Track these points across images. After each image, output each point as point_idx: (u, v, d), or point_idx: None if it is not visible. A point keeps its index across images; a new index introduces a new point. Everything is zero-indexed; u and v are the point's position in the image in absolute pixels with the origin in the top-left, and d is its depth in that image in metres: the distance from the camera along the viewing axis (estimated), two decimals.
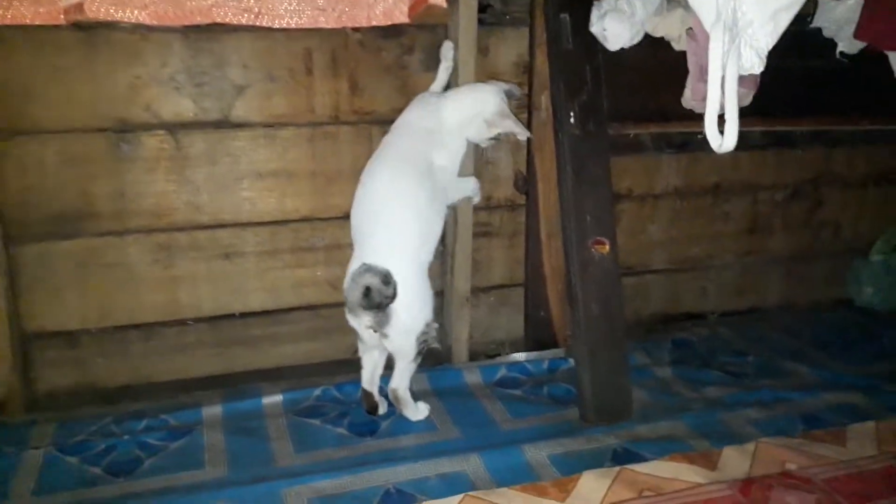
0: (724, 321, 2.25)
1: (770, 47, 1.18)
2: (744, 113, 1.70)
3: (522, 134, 1.63)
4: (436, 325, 1.98)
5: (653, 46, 1.71)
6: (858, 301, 2.37)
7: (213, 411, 1.66)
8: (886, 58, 1.74)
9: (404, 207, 1.55)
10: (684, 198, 2.16)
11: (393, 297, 1.49)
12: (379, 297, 1.48)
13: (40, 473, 1.43)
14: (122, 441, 1.54)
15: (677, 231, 2.18)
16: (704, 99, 1.23)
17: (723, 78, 1.17)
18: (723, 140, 1.21)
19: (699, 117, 1.35)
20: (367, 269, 1.49)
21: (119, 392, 1.76)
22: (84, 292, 1.70)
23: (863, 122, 1.99)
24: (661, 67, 1.72)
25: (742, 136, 2.02)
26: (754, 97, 1.71)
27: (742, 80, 1.33)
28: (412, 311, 1.53)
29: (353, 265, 1.54)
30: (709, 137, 1.25)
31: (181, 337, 1.80)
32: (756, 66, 1.16)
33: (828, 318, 2.28)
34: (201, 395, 1.73)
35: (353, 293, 1.50)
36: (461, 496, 1.36)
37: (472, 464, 1.47)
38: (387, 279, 1.48)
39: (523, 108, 1.87)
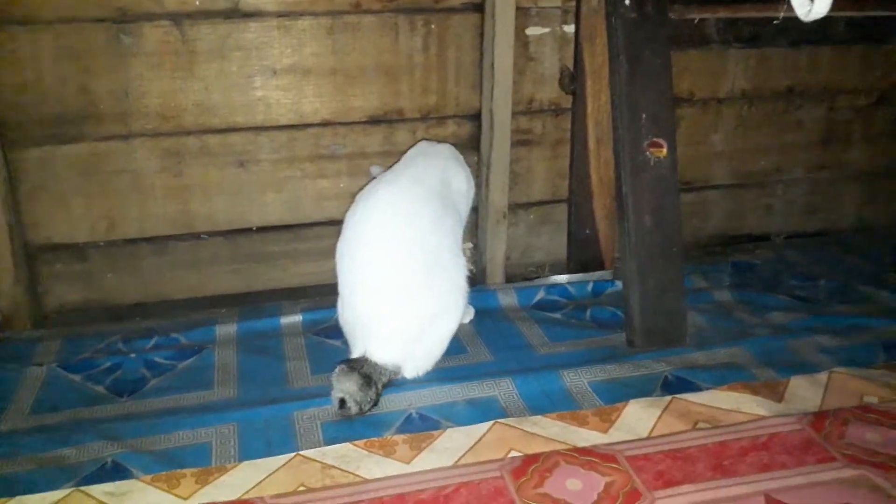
0: (791, 243, 2.04)
1: None
2: None
3: None
4: (470, 245, 1.85)
5: None
6: None
7: (227, 330, 1.55)
8: None
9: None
10: (752, 103, 1.93)
11: (376, 400, 1.26)
12: (357, 408, 1.24)
13: (40, 390, 1.34)
14: (128, 359, 1.44)
15: (743, 141, 1.96)
16: None
17: None
18: (812, 6, 0.97)
19: (774, 1, 1.12)
20: (347, 369, 1.27)
21: (131, 309, 1.67)
22: (90, 202, 1.59)
23: None
24: None
25: (821, 27, 1.76)
26: None
27: None
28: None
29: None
30: (794, 4, 1.01)
31: (195, 252, 1.68)
32: None
33: None
34: (216, 312, 1.63)
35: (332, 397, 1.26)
36: (490, 423, 1.22)
37: (503, 389, 1.33)
38: (368, 380, 1.25)
39: None
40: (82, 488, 1.07)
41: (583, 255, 1.83)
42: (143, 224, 1.63)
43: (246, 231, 1.69)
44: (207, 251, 1.68)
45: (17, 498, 1.05)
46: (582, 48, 1.63)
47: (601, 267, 1.82)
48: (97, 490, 1.07)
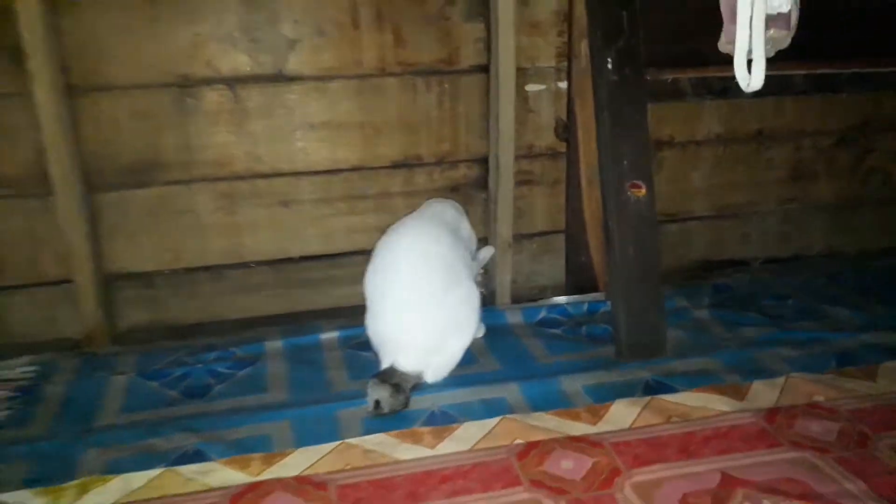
0: (767, 268, 2.27)
1: None
2: (785, 56, 1.73)
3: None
4: (482, 272, 2.12)
5: None
6: None
7: (274, 345, 1.81)
8: None
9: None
10: (726, 145, 2.17)
11: (406, 403, 1.52)
12: (389, 409, 1.49)
13: (126, 394, 1.60)
14: (195, 369, 1.70)
15: (719, 178, 2.20)
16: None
17: (751, 17, 1.20)
18: (751, 79, 1.25)
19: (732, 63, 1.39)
20: (379, 380, 1.52)
21: (191, 329, 1.92)
22: (157, 237, 1.86)
23: None
24: (699, 12, 1.73)
25: (784, 81, 2.05)
26: (795, 39, 1.71)
27: (775, 20, 1.37)
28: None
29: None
30: (738, 77, 1.29)
31: (246, 278, 1.94)
32: (784, 4, 1.19)
33: (875, 266, 2.28)
34: (264, 331, 1.89)
35: (368, 399, 1.52)
36: (499, 418, 1.48)
37: (510, 391, 1.58)
38: (398, 388, 1.51)
39: (563, 57, 1.93)
40: (173, 468, 1.33)
41: (579, 280, 2.09)
42: (201, 255, 1.89)
43: (289, 260, 1.95)
44: (256, 278, 1.94)
45: (123, 475, 1.31)
46: (574, 103, 1.90)
47: (595, 289, 2.08)
48: (185, 470, 1.33)
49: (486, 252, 1.95)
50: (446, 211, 1.78)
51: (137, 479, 1.30)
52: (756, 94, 2.09)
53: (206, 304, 1.93)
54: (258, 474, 1.32)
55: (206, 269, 1.91)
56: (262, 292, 1.96)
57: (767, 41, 1.38)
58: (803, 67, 1.91)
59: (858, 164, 2.31)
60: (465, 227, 1.82)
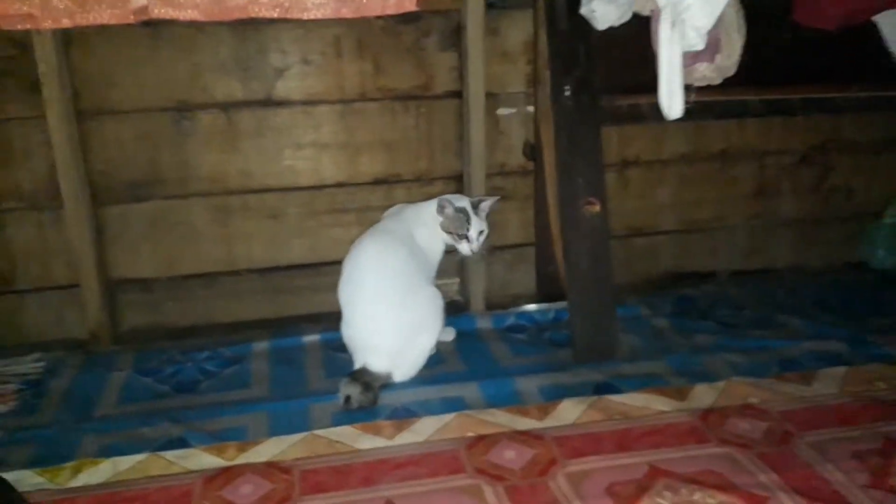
0: (734, 280, 2.36)
1: (709, 27, 1.35)
2: (736, 82, 1.88)
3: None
4: (457, 280, 2.26)
5: (643, 23, 1.87)
6: (872, 263, 2.44)
7: (261, 346, 1.97)
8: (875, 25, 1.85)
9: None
10: (692, 163, 2.30)
11: (374, 400, 1.66)
12: (357, 405, 1.64)
13: (123, 389, 1.78)
14: (185, 367, 1.87)
15: (686, 194, 2.32)
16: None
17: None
18: (669, 109, 1.39)
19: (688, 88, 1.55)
20: (351, 379, 1.67)
21: (186, 331, 2.09)
22: (156, 246, 2.04)
23: (854, 89, 2.08)
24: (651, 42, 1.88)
25: (741, 105, 2.18)
26: (746, 66, 1.84)
27: (699, 54, 1.51)
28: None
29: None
30: (661, 106, 1.43)
31: (236, 285, 2.11)
32: (697, 44, 1.34)
33: (838, 279, 2.37)
34: (253, 333, 2.05)
35: (339, 395, 1.67)
36: (455, 413, 1.62)
37: (469, 390, 1.73)
38: (368, 386, 1.66)
39: (530, 83, 2.08)
40: (157, 453, 1.50)
41: (548, 288, 2.22)
42: (196, 263, 2.07)
43: (277, 269, 2.12)
44: (246, 285, 2.11)
45: (113, 458, 1.48)
46: (539, 126, 2.05)
47: (563, 298, 2.18)
48: (168, 455, 1.49)
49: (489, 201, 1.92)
50: (402, 224, 1.88)
51: (125, 462, 1.47)
52: (718, 115, 2.27)
53: (199, 308, 2.10)
54: (232, 459, 1.48)
55: (201, 276, 2.09)
56: (251, 298, 2.13)
57: (700, 73, 1.53)
58: (753, 93, 2.04)
59: (821, 181, 2.42)
60: (420, 233, 1.86)
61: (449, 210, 1.82)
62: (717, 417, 1.60)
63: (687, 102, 1.47)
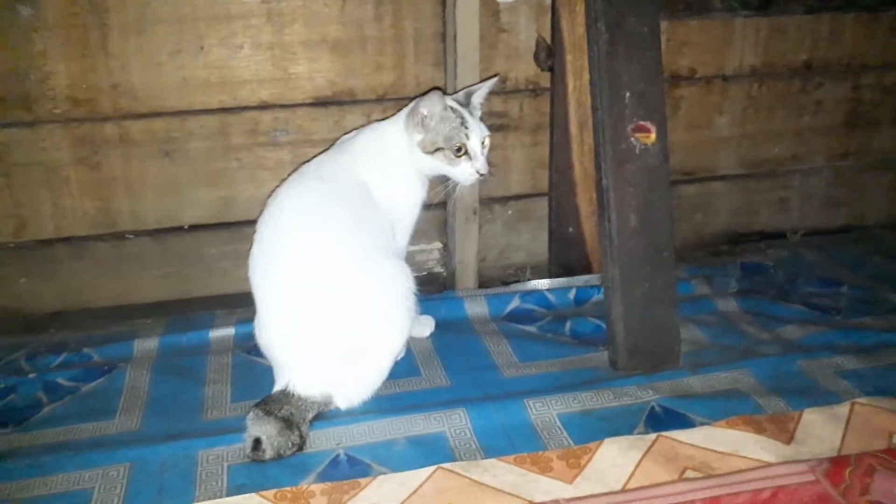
0: (810, 242, 1.86)
1: None
2: None
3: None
4: (438, 246, 1.66)
5: None
6: None
7: (147, 345, 1.38)
8: None
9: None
10: (763, 80, 1.76)
11: (301, 444, 1.06)
12: (273, 452, 1.04)
13: None
14: (25, 381, 1.28)
15: (753, 125, 1.78)
16: None
17: None
18: None
19: None
20: (263, 411, 1.07)
21: (48, 319, 1.51)
22: None
23: None
24: None
25: None
26: None
27: None
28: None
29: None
30: None
31: (119, 254, 1.52)
32: None
33: None
34: (140, 324, 1.45)
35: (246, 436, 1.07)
36: (431, 469, 1.01)
37: (455, 423, 1.12)
38: (288, 423, 1.06)
39: None
40: None
41: (566, 257, 1.63)
42: (58, 223, 1.47)
43: (176, 230, 1.53)
44: (133, 253, 1.52)
45: None
46: (560, 17, 1.42)
47: (587, 270, 1.63)
48: None
49: (481, 88, 1.33)
50: (351, 145, 1.28)
51: None
52: (809, 8, 1.64)
53: (66, 287, 1.51)
54: None
55: (65, 240, 1.49)
56: (140, 272, 1.54)
57: None
58: None
59: None
60: (377, 177, 1.24)
61: (435, 110, 1.21)
62: (856, 475, 1.00)
63: None
